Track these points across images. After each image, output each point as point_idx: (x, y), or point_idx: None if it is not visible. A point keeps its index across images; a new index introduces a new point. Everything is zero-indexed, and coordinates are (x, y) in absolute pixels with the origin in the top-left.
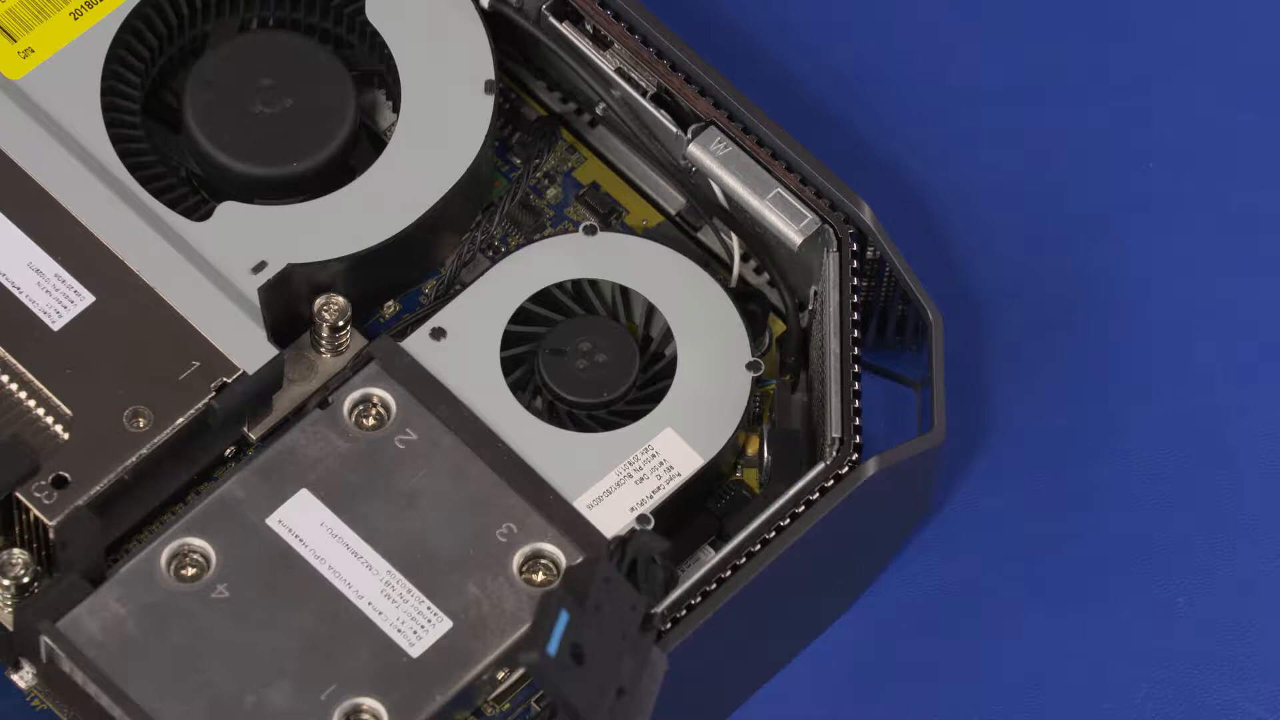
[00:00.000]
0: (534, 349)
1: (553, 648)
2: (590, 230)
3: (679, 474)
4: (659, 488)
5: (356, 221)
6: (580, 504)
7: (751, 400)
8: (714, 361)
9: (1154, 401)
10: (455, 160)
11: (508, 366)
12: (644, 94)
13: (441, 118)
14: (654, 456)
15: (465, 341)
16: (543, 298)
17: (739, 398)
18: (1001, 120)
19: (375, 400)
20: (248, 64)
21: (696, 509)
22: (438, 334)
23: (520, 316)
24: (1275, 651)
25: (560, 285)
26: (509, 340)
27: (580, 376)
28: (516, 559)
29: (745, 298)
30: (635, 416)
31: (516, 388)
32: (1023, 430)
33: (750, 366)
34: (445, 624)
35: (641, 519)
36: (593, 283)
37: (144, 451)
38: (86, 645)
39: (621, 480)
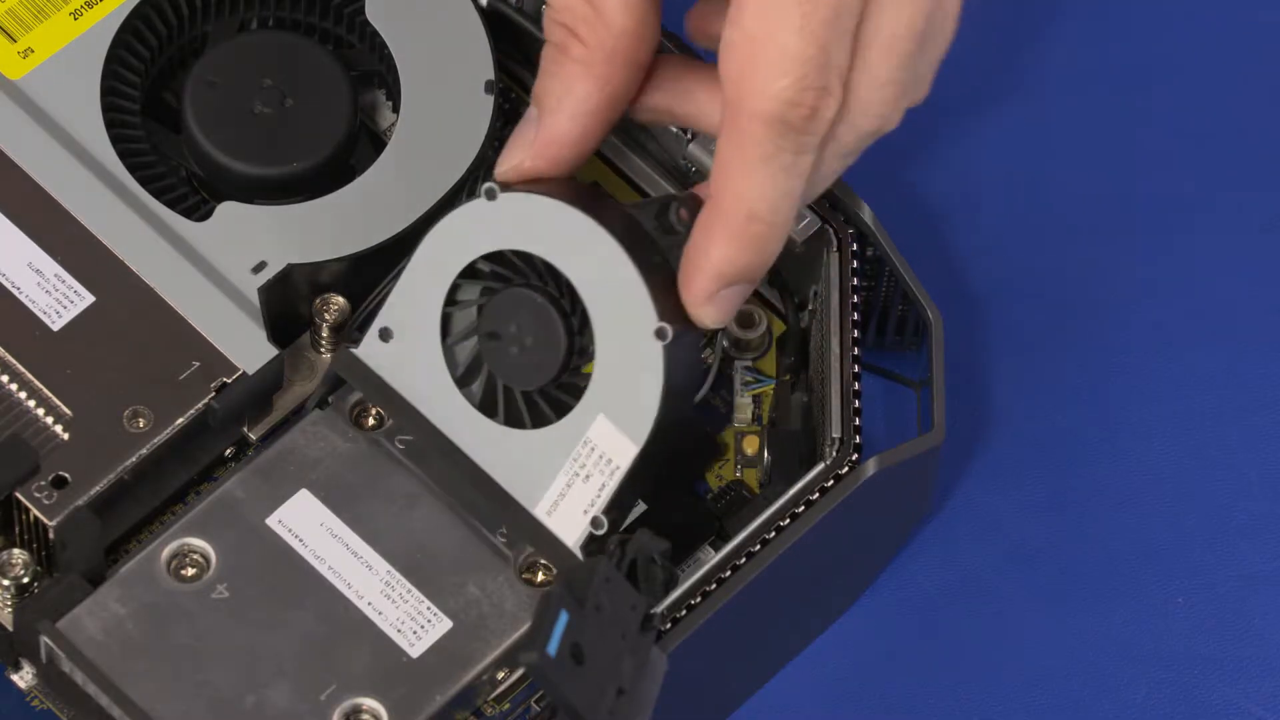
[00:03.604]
0: (473, 332)
1: (553, 648)
2: (490, 194)
3: (618, 467)
4: (604, 485)
5: (356, 221)
6: (539, 512)
7: (670, 371)
8: (623, 331)
9: (1154, 401)
10: (455, 160)
11: (452, 357)
12: None
13: (441, 118)
14: (593, 450)
15: (409, 338)
16: (472, 274)
17: (654, 370)
18: (1002, 120)
19: None
20: (248, 64)
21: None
22: (385, 335)
23: (453, 295)
24: (1275, 651)
25: (481, 261)
26: (447, 323)
27: (517, 360)
28: (516, 559)
29: None
30: (578, 393)
31: (467, 377)
32: (1023, 430)
33: (658, 334)
34: (445, 624)
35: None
36: (516, 250)
37: (144, 451)
38: (86, 645)
39: (571, 481)
